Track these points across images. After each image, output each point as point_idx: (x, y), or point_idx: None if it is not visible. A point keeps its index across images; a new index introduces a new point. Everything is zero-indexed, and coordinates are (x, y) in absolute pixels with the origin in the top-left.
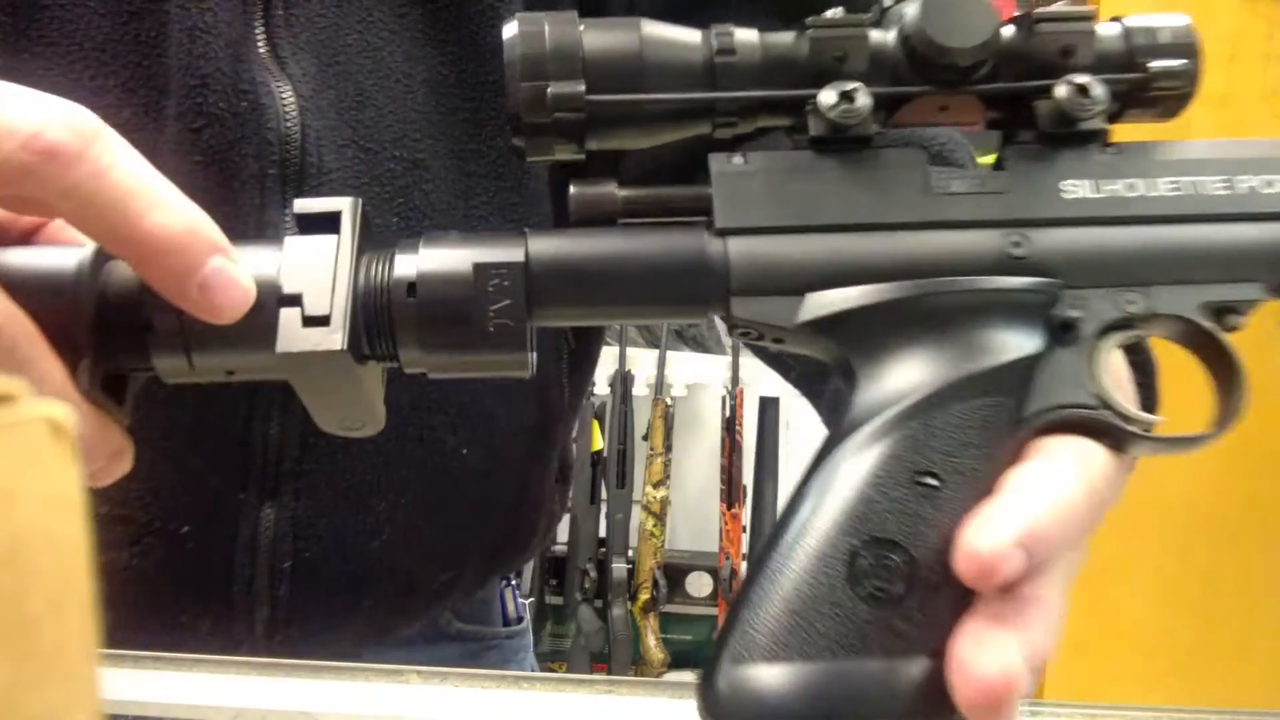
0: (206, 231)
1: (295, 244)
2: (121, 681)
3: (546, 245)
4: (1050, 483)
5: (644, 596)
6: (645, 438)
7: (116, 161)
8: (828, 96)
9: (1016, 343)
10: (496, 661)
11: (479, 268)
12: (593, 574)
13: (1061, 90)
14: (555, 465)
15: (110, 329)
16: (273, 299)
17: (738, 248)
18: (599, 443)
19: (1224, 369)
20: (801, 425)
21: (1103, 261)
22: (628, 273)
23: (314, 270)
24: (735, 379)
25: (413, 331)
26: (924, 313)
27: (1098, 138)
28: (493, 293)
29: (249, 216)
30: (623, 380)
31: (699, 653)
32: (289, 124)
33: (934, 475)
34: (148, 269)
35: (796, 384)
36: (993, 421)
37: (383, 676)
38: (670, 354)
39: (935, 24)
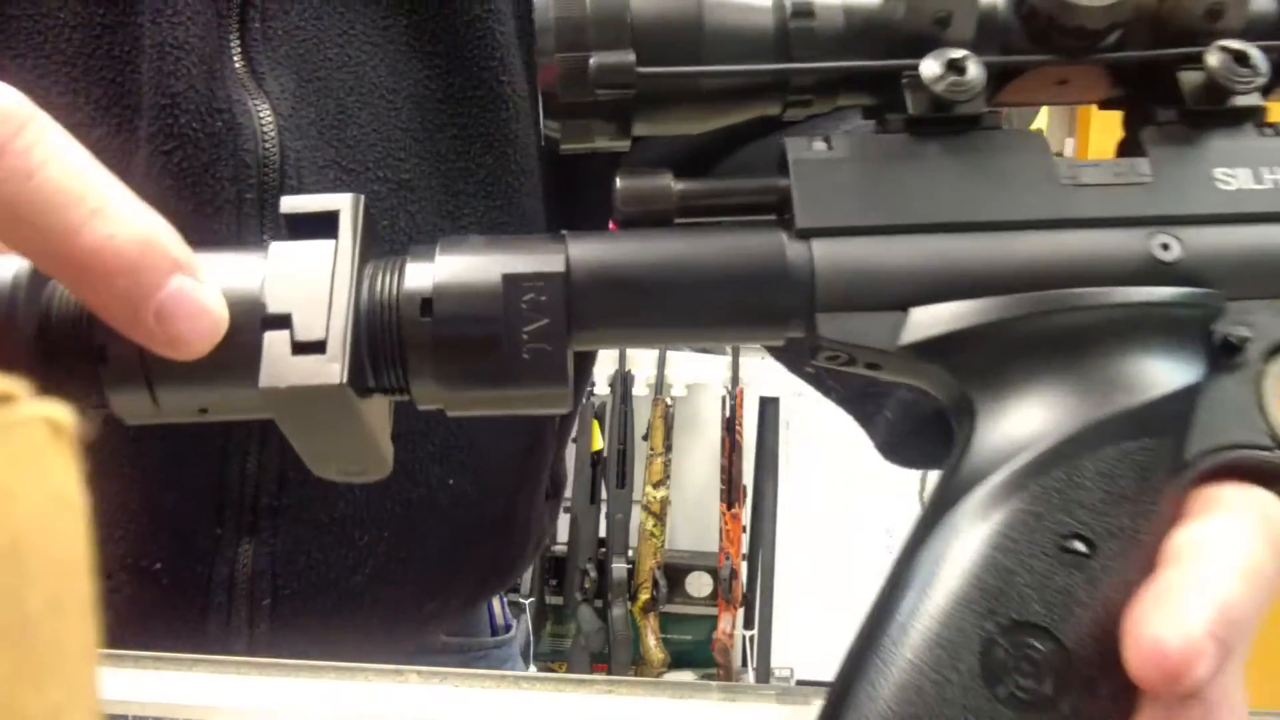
0: (164, 245)
1: (283, 251)
2: (121, 681)
3: (590, 251)
4: (1234, 547)
5: (644, 596)
6: (645, 438)
7: (52, 156)
8: (931, 67)
9: (1173, 370)
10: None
11: (510, 280)
12: (593, 574)
13: (1214, 58)
14: (545, 483)
15: (56, 359)
16: (255, 320)
17: (824, 252)
18: (599, 443)
19: None
20: (801, 425)
21: (1267, 267)
22: (689, 285)
23: (306, 284)
24: (735, 379)
25: (428, 359)
26: (1058, 334)
27: (1254, 115)
28: (527, 310)
29: (224, 243)
30: (623, 380)
31: (699, 653)
32: (267, 145)
33: (1083, 539)
34: (91, 293)
35: (841, 405)
36: (1150, 469)
37: (383, 676)
38: (670, 354)
39: None
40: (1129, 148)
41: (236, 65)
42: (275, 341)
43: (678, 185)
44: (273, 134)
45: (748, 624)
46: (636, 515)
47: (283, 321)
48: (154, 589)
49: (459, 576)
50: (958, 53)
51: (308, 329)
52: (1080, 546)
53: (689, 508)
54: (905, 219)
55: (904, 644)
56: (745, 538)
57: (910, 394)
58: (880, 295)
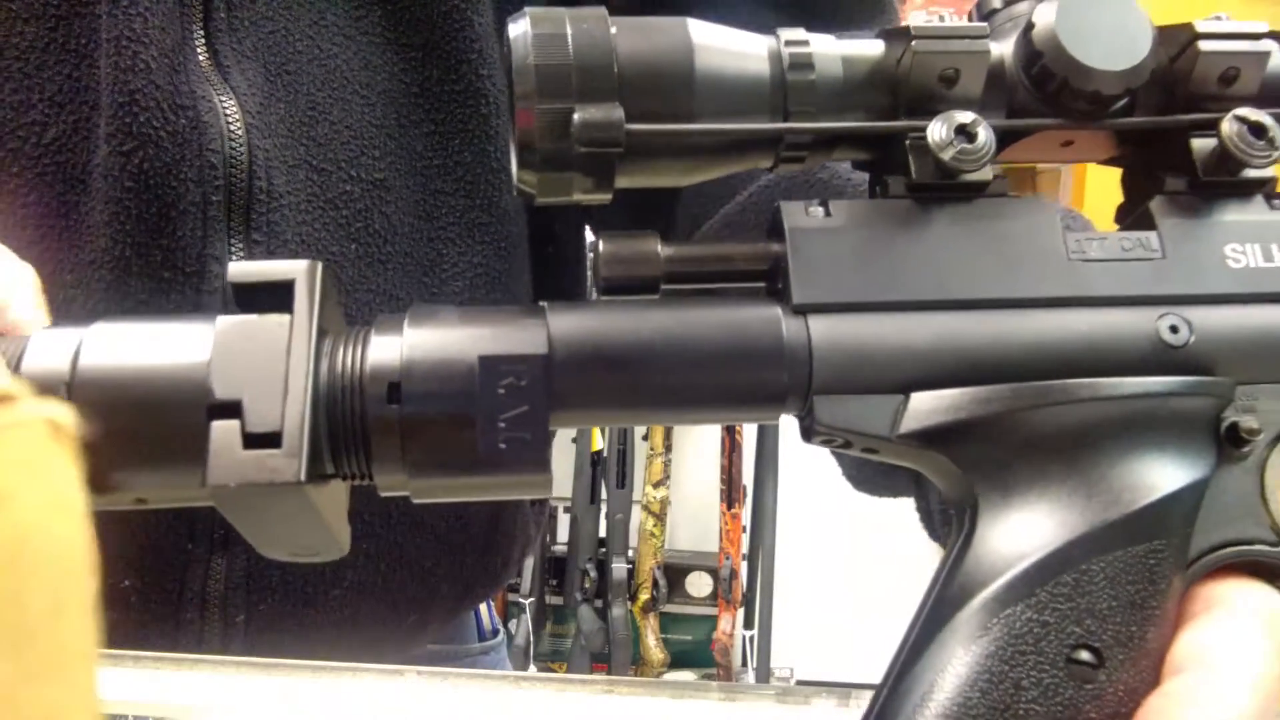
0: None
1: (231, 327)
2: (121, 681)
3: (573, 326)
4: (1240, 656)
5: (644, 596)
6: (645, 438)
7: None
8: (940, 131)
9: (1182, 466)
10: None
11: (487, 362)
12: (593, 574)
13: (1230, 128)
14: None
15: None
16: (200, 405)
17: (822, 330)
18: (599, 443)
19: None
20: None
21: (1276, 351)
22: (678, 365)
23: (258, 366)
24: None
25: (395, 448)
26: (1065, 430)
27: (1265, 186)
28: (504, 396)
29: (189, 250)
30: None
31: (699, 653)
32: (234, 144)
33: (1091, 649)
34: None
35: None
36: (1159, 572)
37: (383, 676)
38: None
39: (1077, 37)
40: (1133, 211)
41: (201, 59)
42: (224, 432)
43: (664, 250)
44: (240, 132)
45: (748, 624)
46: (636, 515)
47: (232, 410)
48: (123, 607)
49: (441, 588)
50: (966, 116)
51: (261, 419)
52: (1088, 657)
53: (689, 508)
54: (907, 295)
55: None
56: (745, 538)
57: None
58: (880, 378)
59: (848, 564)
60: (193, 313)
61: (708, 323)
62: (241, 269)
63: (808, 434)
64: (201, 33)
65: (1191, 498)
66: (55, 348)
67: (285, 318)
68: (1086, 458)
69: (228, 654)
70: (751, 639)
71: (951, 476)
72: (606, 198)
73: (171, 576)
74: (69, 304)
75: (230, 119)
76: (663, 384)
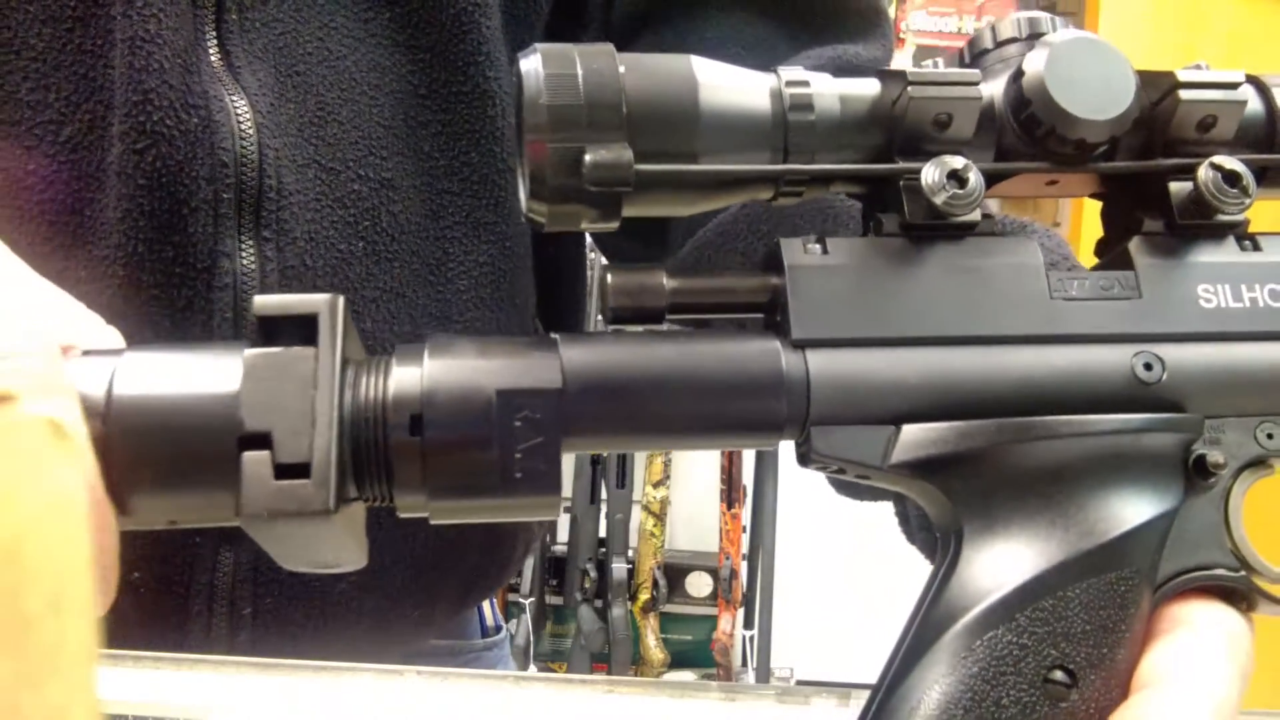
0: None
1: (259, 359)
2: (121, 681)
3: (585, 359)
4: (1202, 673)
5: (644, 596)
6: None
7: None
8: (933, 175)
9: (1153, 497)
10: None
11: (505, 396)
12: (593, 574)
13: (1206, 175)
14: None
15: None
16: (231, 434)
17: (820, 364)
18: None
19: None
20: None
21: (1242, 386)
22: (684, 395)
23: (286, 398)
24: None
25: (416, 475)
26: (1045, 465)
27: (1236, 229)
28: (520, 428)
29: (201, 246)
30: None
31: (699, 653)
32: (245, 142)
33: (1066, 670)
34: None
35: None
36: (1129, 598)
37: (383, 676)
38: None
39: (1065, 87)
40: (1111, 246)
41: (213, 59)
42: (255, 463)
43: (670, 282)
44: (251, 131)
45: (748, 624)
46: (636, 515)
47: (262, 441)
48: (132, 599)
49: (445, 581)
50: (958, 162)
51: (291, 451)
52: (1062, 677)
53: (689, 508)
54: (899, 331)
55: None
56: (745, 538)
57: None
58: (873, 410)
59: (848, 564)
60: (214, 339)
61: (711, 356)
62: (266, 302)
63: (804, 460)
64: (214, 34)
65: (1161, 527)
66: (90, 375)
67: (310, 351)
68: (1064, 492)
69: (234, 646)
70: (751, 639)
71: (939, 504)
72: (613, 227)
73: (179, 569)
74: (81, 300)
75: (241, 118)
76: (668, 414)
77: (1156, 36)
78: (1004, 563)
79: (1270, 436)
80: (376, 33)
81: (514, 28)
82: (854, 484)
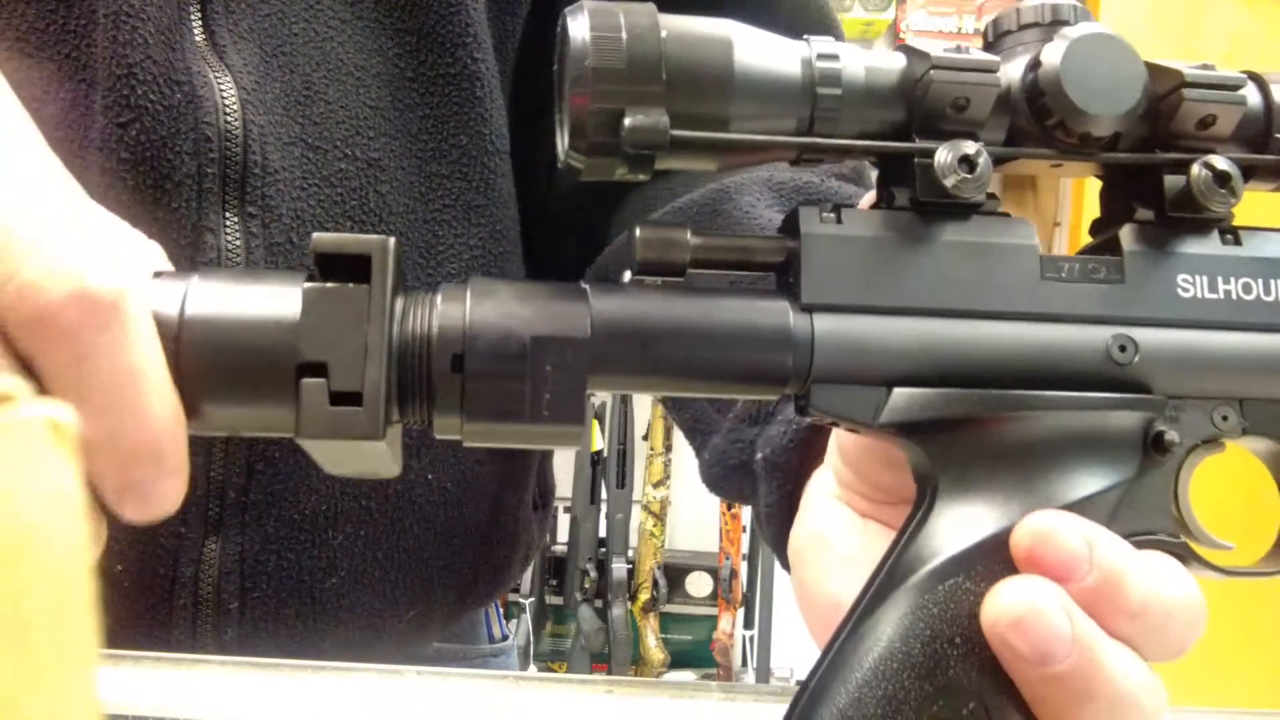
0: (158, 457)
1: (316, 295)
2: (121, 681)
3: (612, 309)
4: (1150, 556)
5: (644, 596)
6: (645, 438)
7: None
8: (946, 158)
9: (1111, 469)
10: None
11: (539, 342)
12: (593, 574)
13: (1198, 173)
14: (532, 491)
15: None
16: (290, 362)
17: (825, 327)
18: (599, 443)
19: None
20: None
21: (1205, 371)
22: (699, 347)
23: (340, 331)
24: None
25: (454, 403)
26: (1017, 437)
27: (1221, 223)
28: (551, 371)
29: (184, 221)
30: None
31: (699, 652)
32: (229, 118)
33: None
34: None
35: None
36: None
37: (382, 676)
38: None
39: (1078, 82)
40: (1105, 227)
41: (197, 37)
42: (312, 389)
43: (693, 239)
44: (235, 107)
45: (748, 624)
46: (636, 515)
47: (319, 369)
48: (115, 593)
49: (440, 583)
50: (970, 147)
51: (345, 380)
52: None
53: (689, 508)
54: (899, 301)
55: (857, 694)
56: (745, 538)
57: (723, 443)
58: (868, 372)
59: None
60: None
61: (727, 312)
62: (324, 239)
63: (801, 412)
64: (198, 12)
65: (1115, 495)
66: (165, 294)
67: (364, 288)
68: (1032, 460)
69: (222, 645)
70: (751, 639)
71: (919, 460)
72: (646, 178)
73: (164, 561)
74: None
75: (225, 94)
76: (685, 363)
77: (1156, 36)
78: (971, 519)
79: (1225, 418)
80: (363, 14)
81: (497, 13)
82: (723, 486)
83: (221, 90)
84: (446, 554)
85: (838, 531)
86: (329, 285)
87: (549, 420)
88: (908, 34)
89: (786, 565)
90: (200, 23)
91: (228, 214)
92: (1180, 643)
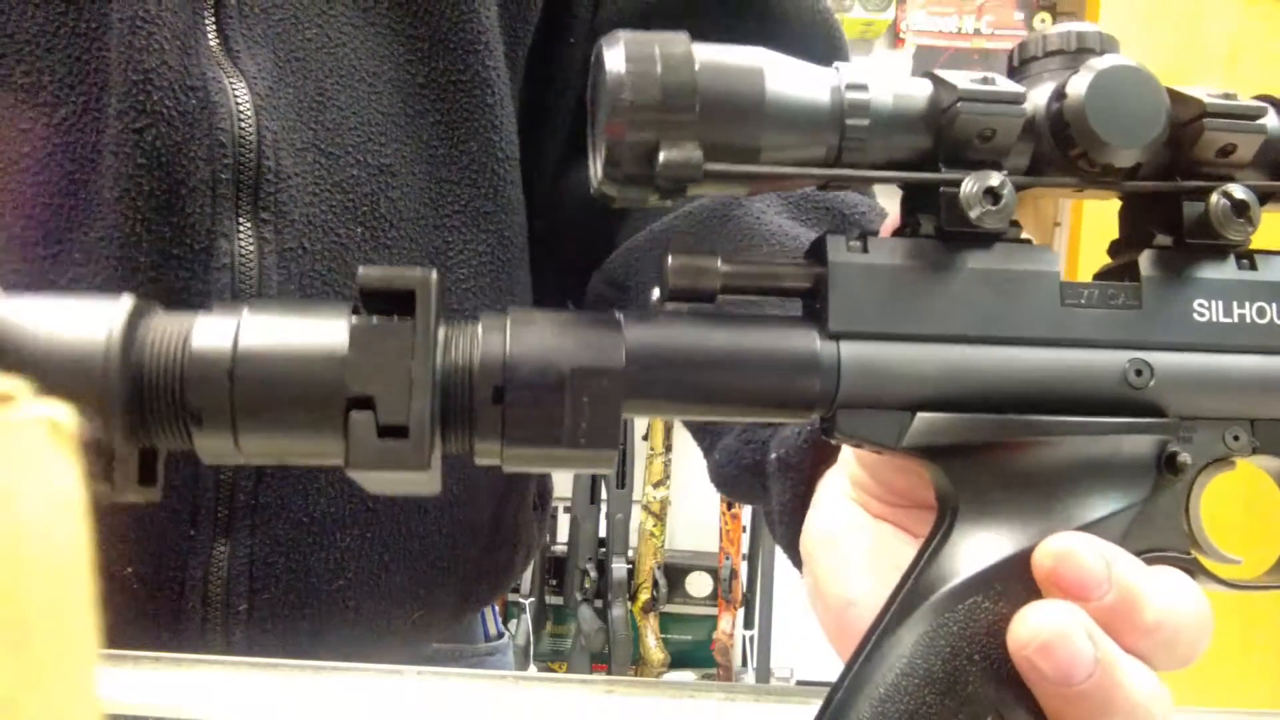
0: None
1: (362, 330)
2: (121, 681)
3: (645, 338)
4: (1163, 572)
5: (644, 596)
6: (645, 438)
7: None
8: (972, 189)
9: (1125, 491)
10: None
11: (577, 374)
12: (593, 574)
13: (1217, 200)
14: (533, 493)
15: (148, 415)
16: (339, 395)
17: (851, 354)
18: None
19: None
20: None
21: (1217, 392)
22: (729, 374)
23: (386, 366)
24: None
25: (494, 432)
26: (1036, 463)
27: (1237, 247)
28: (589, 401)
29: (198, 227)
30: None
31: (699, 653)
32: (243, 124)
33: None
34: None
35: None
36: None
37: (383, 676)
38: None
39: (1102, 115)
40: (1123, 249)
41: (211, 43)
42: (360, 423)
43: (724, 266)
44: (249, 113)
45: (748, 624)
46: (636, 515)
47: (366, 403)
48: (124, 595)
49: (444, 584)
50: (995, 179)
51: (391, 414)
52: None
53: (689, 508)
54: (924, 329)
55: (880, 709)
56: (745, 538)
57: (735, 443)
58: (893, 397)
59: None
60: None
61: (756, 340)
62: (370, 274)
63: (828, 434)
64: (212, 18)
65: (1129, 515)
66: (218, 330)
67: (408, 323)
68: (1050, 484)
69: (230, 646)
70: (751, 639)
71: (943, 485)
72: (676, 206)
73: (173, 563)
74: (77, 281)
75: (239, 100)
76: (716, 389)
77: (1156, 36)
78: (990, 540)
79: (1236, 438)
80: (375, 21)
81: (508, 20)
82: (732, 487)
83: (236, 96)
84: (450, 555)
85: (850, 531)
86: (375, 320)
87: (585, 446)
88: (907, 34)
89: (798, 564)
90: (214, 28)
91: (241, 219)
92: (1189, 654)
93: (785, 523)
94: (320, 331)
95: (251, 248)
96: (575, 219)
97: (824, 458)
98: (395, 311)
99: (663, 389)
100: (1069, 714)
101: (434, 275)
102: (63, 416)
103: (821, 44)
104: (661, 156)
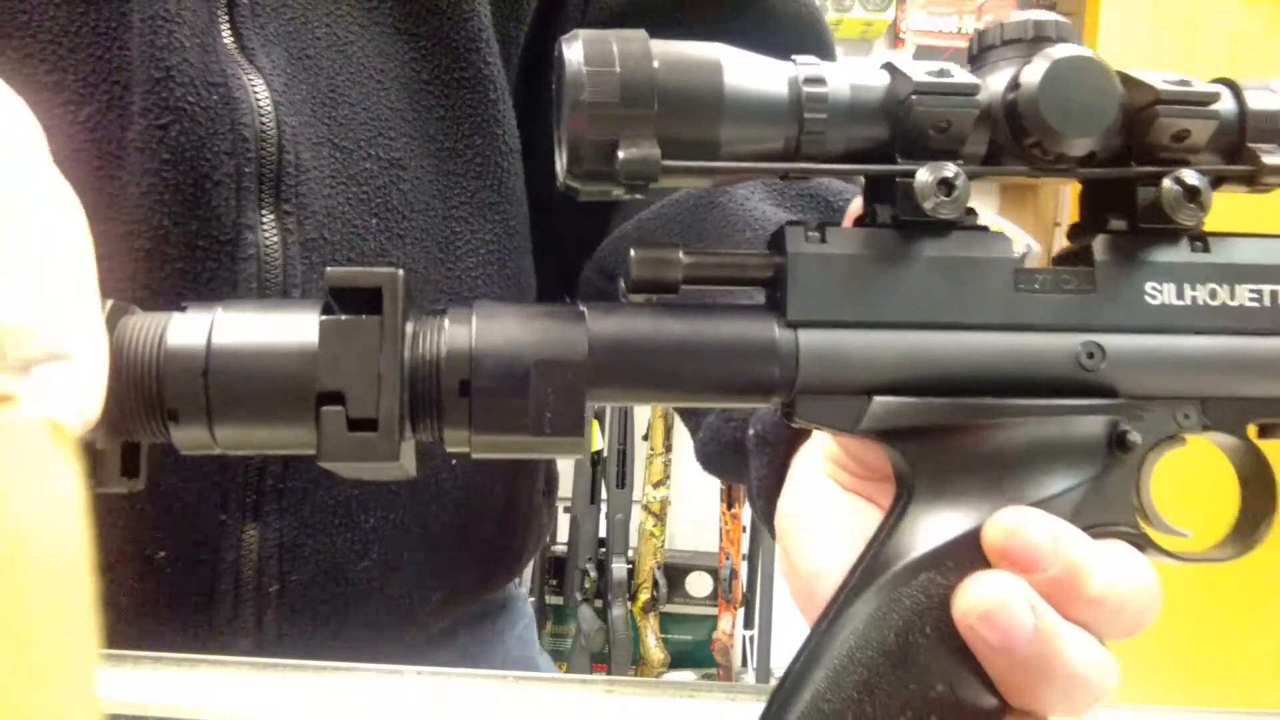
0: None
1: (331, 327)
2: (121, 681)
3: (608, 329)
4: (1110, 546)
5: (644, 596)
6: (645, 438)
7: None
8: (926, 180)
9: (1076, 469)
10: (504, 623)
11: (541, 366)
12: (593, 574)
13: (1168, 188)
14: (542, 477)
15: (124, 410)
16: (310, 390)
17: (809, 341)
18: (599, 443)
19: (1262, 487)
20: None
21: (1169, 373)
22: (690, 362)
23: (355, 361)
24: None
25: (462, 421)
26: (988, 444)
27: (1191, 230)
28: (553, 392)
29: (224, 219)
30: None
31: (699, 653)
32: (264, 119)
33: None
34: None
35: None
36: None
37: (382, 676)
38: None
39: (1054, 106)
40: (1080, 233)
41: (226, 41)
42: (331, 417)
43: (685, 258)
44: (269, 108)
45: (748, 624)
46: (636, 515)
47: (337, 398)
48: (158, 579)
49: (464, 564)
50: (949, 170)
51: (361, 408)
52: None
53: (689, 508)
54: (881, 316)
55: (835, 680)
56: (745, 538)
57: (717, 422)
58: (850, 383)
59: None
60: (274, 298)
61: (716, 329)
62: (337, 273)
63: (788, 418)
64: (226, 17)
65: (1079, 491)
66: (192, 327)
67: (376, 320)
68: (1003, 466)
69: (262, 627)
70: (751, 639)
71: (900, 466)
72: (640, 197)
73: (206, 548)
74: (105, 276)
75: (259, 96)
76: (677, 378)
77: (1156, 36)
78: (944, 518)
79: (1187, 416)
80: (380, 20)
81: (501, 20)
82: (718, 465)
83: (255, 92)
84: (468, 536)
85: (821, 505)
86: (343, 318)
87: (551, 434)
88: (907, 34)
89: (774, 534)
90: (229, 27)
91: (264, 212)
92: (1135, 625)
93: (763, 496)
94: (291, 328)
95: (275, 239)
96: (571, 210)
97: (800, 434)
98: (363, 309)
99: (625, 378)
100: (1013, 681)
101: (400, 274)
102: (63, 416)
103: (809, 41)
104: (620, 155)
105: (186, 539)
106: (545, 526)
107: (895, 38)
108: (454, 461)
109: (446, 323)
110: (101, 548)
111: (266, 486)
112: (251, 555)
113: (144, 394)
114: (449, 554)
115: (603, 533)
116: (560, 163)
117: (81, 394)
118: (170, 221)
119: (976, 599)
